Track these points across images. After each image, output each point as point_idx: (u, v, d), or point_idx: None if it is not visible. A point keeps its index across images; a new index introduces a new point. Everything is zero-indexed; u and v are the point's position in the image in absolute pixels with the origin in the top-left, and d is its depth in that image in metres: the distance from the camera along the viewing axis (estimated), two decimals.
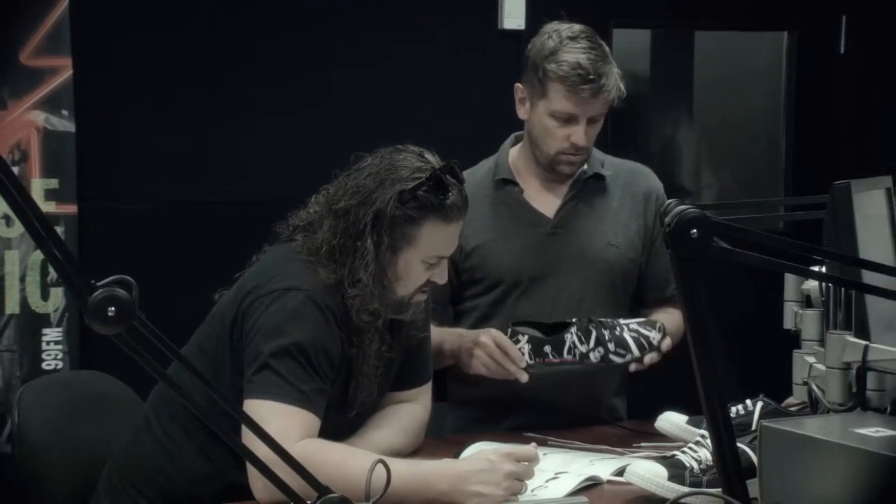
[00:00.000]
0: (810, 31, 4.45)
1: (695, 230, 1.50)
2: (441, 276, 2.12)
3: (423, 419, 2.24)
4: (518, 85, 2.51)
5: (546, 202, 2.56)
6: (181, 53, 3.57)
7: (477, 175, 2.57)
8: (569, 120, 2.43)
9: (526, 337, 2.37)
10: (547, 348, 2.35)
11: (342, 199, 2.06)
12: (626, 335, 2.37)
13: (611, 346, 2.35)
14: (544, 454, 2.13)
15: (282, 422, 1.89)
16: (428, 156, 2.08)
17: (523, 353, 2.35)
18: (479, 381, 2.49)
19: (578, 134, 2.44)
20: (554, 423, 2.43)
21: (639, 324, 2.39)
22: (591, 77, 2.38)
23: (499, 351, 2.35)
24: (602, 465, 2.13)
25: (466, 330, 2.49)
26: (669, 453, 2.00)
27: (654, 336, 2.37)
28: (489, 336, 2.38)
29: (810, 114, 4.46)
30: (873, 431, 1.39)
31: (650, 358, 2.38)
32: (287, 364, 1.97)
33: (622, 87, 2.44)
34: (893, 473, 1.31)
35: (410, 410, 2.21)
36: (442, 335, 2.45)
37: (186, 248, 3.53)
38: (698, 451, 1.95)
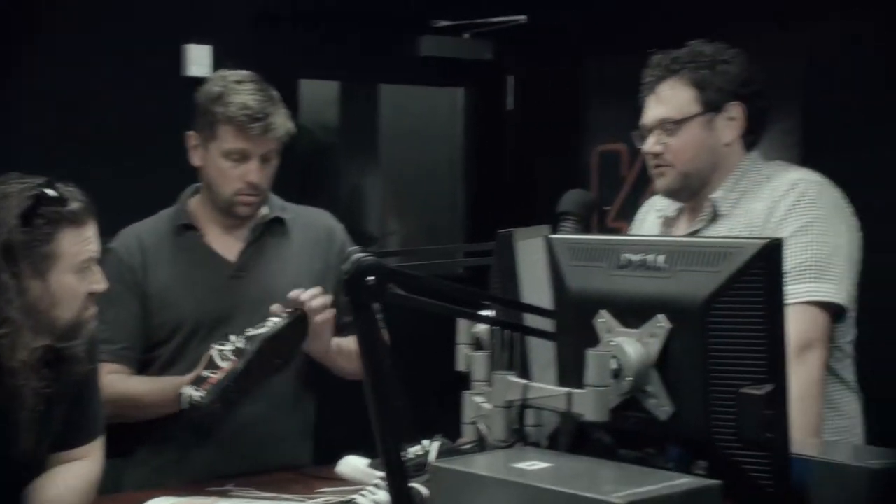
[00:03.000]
0: (482, 88, 4.70)
1: (371, 277, 1.55)
2: (100, 281, 2.05)
3: (95, 477, 2.14)
4: (190, 133, 2.54)
5: (228, 246, 2.56)
6: None
7: (158, 223, 2.56)
8: (241, 159, 2.48)
9: (190, 385, 2.29)
10: (205, 373, 2.29)
11: None
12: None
13: (249, 331, 2.32)
14: None
15: None
16: (27, 178, 1.99)
17: (193, 396, 2.27)
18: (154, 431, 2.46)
19: (252, 172, 2.49)
20: (235, 469, 2.42)
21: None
22: (259, 115, 2.46)
23: None
24: None
25: None
26: (348, 497, 2.05)
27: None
28: None
29: (484, 164, 4.70)
30: (529, 465, 1.46)
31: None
32: None
33: (290, 125, 2.52)
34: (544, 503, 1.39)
35: (82, 468, 2.12)
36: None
37: None
38: (377, 493, 2.01)
